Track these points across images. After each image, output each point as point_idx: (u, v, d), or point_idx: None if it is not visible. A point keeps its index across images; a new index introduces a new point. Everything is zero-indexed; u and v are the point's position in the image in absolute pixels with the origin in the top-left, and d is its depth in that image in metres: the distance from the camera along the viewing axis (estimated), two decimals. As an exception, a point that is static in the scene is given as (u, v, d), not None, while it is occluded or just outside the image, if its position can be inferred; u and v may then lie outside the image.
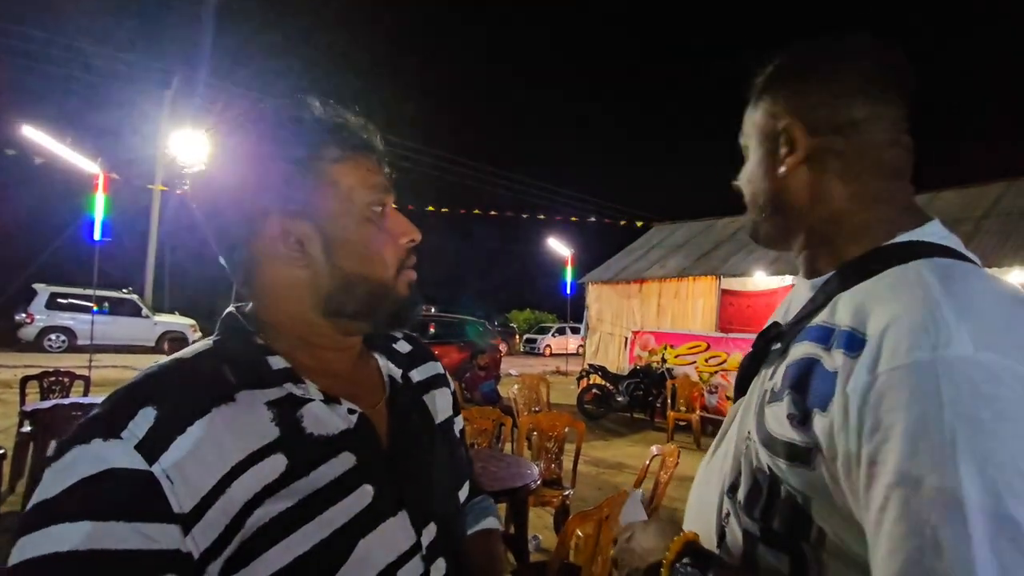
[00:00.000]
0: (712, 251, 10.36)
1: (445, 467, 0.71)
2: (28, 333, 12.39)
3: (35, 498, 0.46)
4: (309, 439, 0.56)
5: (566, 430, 3.65)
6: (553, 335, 23.13)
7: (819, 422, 0.56)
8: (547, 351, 22.32)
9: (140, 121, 17.02)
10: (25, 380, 4.42)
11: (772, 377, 0.67)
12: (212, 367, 0.56)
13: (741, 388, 0.75)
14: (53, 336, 12.58)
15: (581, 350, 16.06)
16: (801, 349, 0.63)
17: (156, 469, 0.47)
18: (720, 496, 0.69)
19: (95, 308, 9.78)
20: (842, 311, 0.62)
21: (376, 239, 0.62)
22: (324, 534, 0.53)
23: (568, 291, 14.74)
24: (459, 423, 0.82)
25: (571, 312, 17.89)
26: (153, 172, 16.20)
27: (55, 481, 0.46)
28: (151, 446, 0.47)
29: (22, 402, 4.24)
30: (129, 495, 0.45)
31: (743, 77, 0.79)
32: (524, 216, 17.08)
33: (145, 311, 13.80)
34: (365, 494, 0.57)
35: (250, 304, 0.65)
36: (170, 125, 16.26)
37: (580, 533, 1.95)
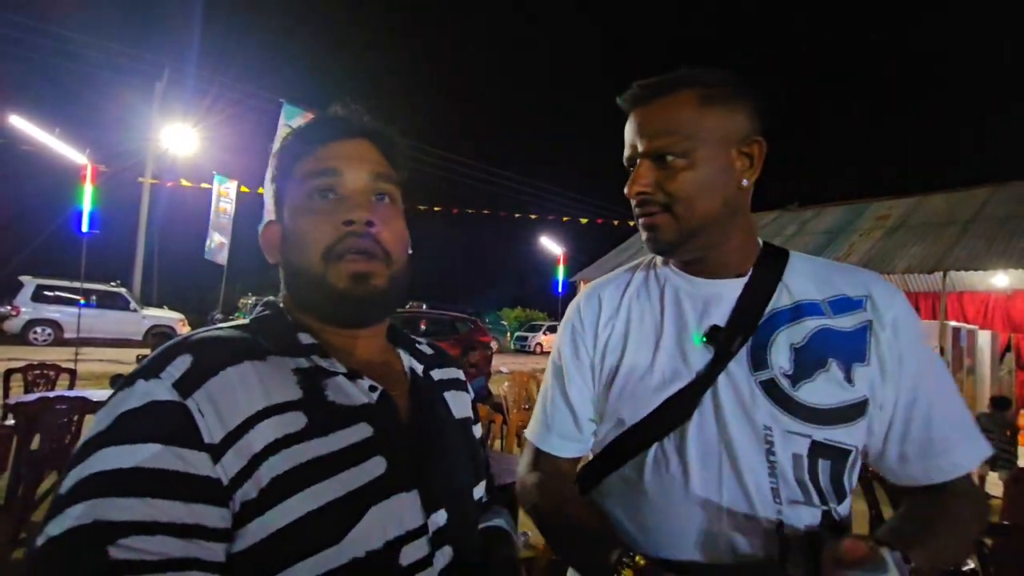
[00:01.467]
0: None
1: (462, 461, 0.72)
2: (13, 326, 12.23)
3: (84, 436, 0.51)
4: (330, 405, 0.59)
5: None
6: (544, 333, 23.18)
7: (862, 373, 0.73)
8: (537, 349, 22.37)
9: (130, 113, 16.88)
10: (9, 373, 4.35)
11: (764, 367, 0.74)
12: (247, 334, 0.61)
13: (688, 401, 0.75)
14: (39, 329, 12.43)
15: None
16: (806, 326, 0.75)
17: (190, 403, 0.51)
18: (755, 494, 0.71)
19: (82, 301, 9.67)
20: (802, 288, 0.79)
21: (306, 224, 0.63)
22: (336, 494, 0.54)
23: (560, 289, 14.77)
24: (478, 430, 0.83)
25: (562, 310, 17.89)
26: (143, 164, 16.03)
27: (105, 418, 0.51)
28: (186, 384, 0.52)
29: (5, 395, 4.17)
30: (167, 423, 0.50)
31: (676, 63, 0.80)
32: (516, 215, 17.09)
33: (133, 304, 13.68)
34: (378, 464, 0.59)
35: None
36: (160, 117, 16.11)
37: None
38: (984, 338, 6.84)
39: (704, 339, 0.76)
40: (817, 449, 0.70)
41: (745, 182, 0.77)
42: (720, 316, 0.77)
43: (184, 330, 12.91)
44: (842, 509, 0.73)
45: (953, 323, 6.54)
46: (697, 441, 0.74)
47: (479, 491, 0.76)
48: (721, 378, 0.74)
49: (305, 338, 0.63)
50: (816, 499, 0.70)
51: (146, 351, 5.38)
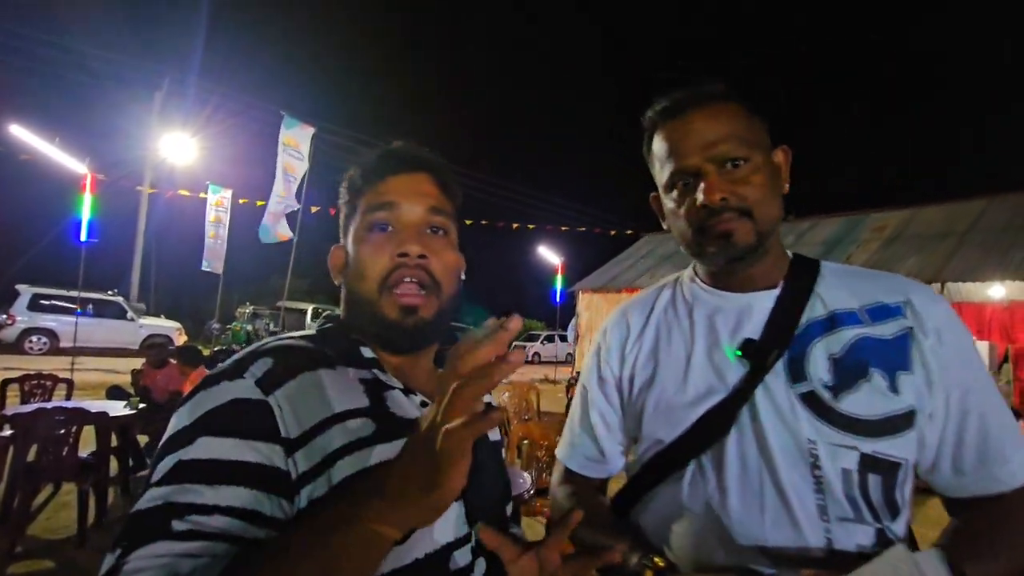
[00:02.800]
0: (701, 261, 10.43)
1: (495, 481, 0.74)
2: (9, 335, 12.15)
3: (166, 435, 0.55)
4: (392, 415, 0.63)
5: (558, 439, 3.63)
6: (542, 343, 23.13)
7: (907, 381, 0.70)
8: (535, 358, 22.31)
9: (129, 122, 16.92)
10: (5, 383, 4.32)
11: (803, 379, 0.72)
12: (315, 345, 0.66)
13: (725, 417, 0.74)
14: (34, 338, 12.35)
15: (569, 357, 16.04)
16: (843, 336, 0.74)
17: (271, 400, 0.55)
18: (800, 511, 0.68)
19: (79, 310, 9.61)
20: (837, 297, 0.77)
21: (367, 256, 0.68)
22: None
23: (558, 299, 14.76)
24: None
25: (560, 320, 17.88)
26: (142, 174, 16.03)
27: (189, 415, 0.55)
28: (268, 382, 0.57)
29: (1, 406, 4.14)
30: (248, 418, 0.54)
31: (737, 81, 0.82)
32: (515, 225, 17.12)
33: (130, 314, 13.60)
34: None
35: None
36: (160, 127, 16.13)
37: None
38: (983, 349, 6.84)
39: (739, 353, 0.75)
40: (867, 463, 0.68)
41: (786, 185, 0.80)
42: (753, 329, 0.76)
43: (181, 339, 12.84)
44: (896, 527, 0.70)
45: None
46: (736, 457, 0.72)
47: (508, 508, 0.78)
48: (759, 392, 0.72)
49: (367, 352, 0.68)
50: (868, 516, 0.68)
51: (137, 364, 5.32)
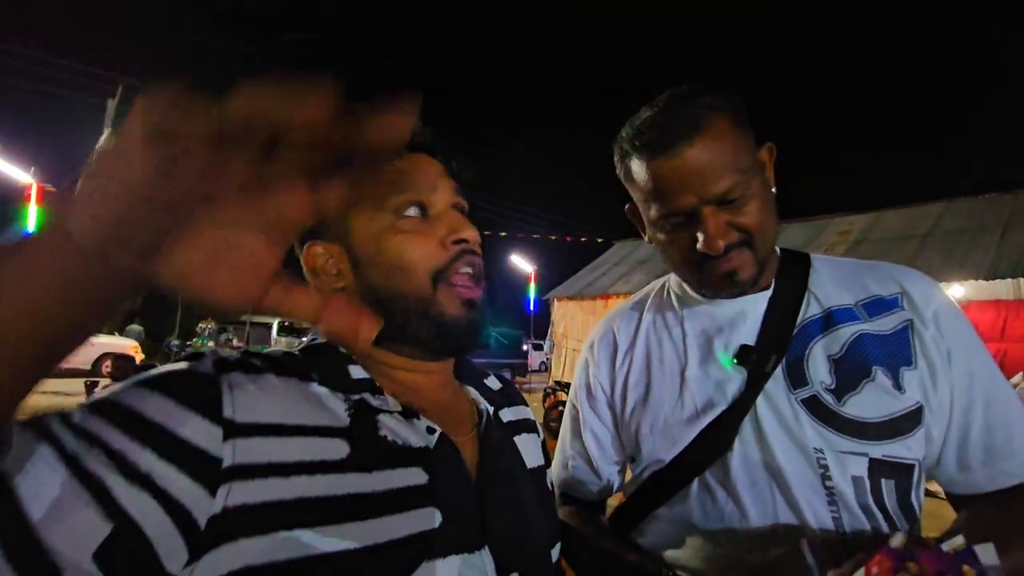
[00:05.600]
0: (674, 267, 10.57)
1: (538, 517, 0.61)
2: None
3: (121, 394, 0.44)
4: (380, 441, 0.51)
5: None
6: (515, 352, 23.06)
7: (911, 377, 0.67)
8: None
9: (80, 130, 16.15)
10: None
11: (804, 384, 0.68)
12: (296, 362, 0.54)
13: (726, 430, 0.70)
14: (-26, 360, 11.56)
15: (543, 366, 16.01)
16: (842, 335, 0.70)
17: (223, 378, 0.47)
18: (815, 525, 0.65)
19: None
20: (832, 293, 0.74)
21: (407, 247, 0.56)
22: (376, 540, 0.47)
23: (532, 308, 14.72)
24: (550, 475, 0.71)
25: (534, 328, 17.84)
26: (93, 184, 15.31)
27: (134, 377, 0.45)
28: (226, 366, 0.48)
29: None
30: (189, 387, 0.45)
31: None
32: (486, 232, 17.11)
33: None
34: (430, 516, 0.50)
35: None
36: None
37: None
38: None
39: (735, 361, 0.72)
40: (877, 468, 0.64)
41: (773, 186, 0.74)
42: (748, 335, 0.73)
43: (139, 357, 12.22)
44: (914, 532, 0.67)
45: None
46: (742, 471, 0.68)
47: (556, 551, 0.64)
48: (760, 401, 0.69)
49: (356, 372, 0.55)
50: (884, 525, 0.64)
51: (106, 381, 4.98)
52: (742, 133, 0.69)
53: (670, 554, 0.74)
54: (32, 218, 7.59)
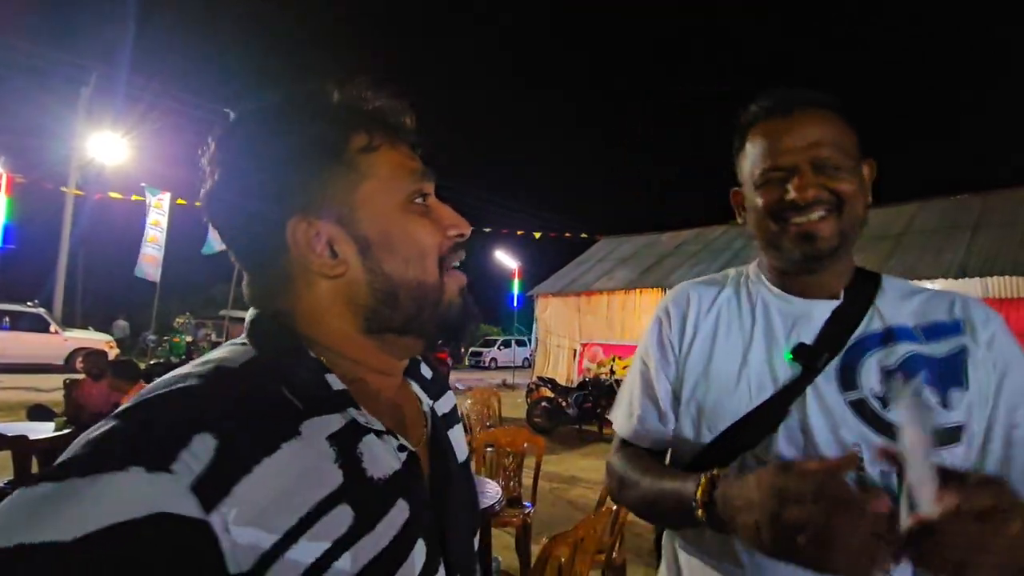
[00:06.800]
0: (657, 264, 10.65)
1: (470, 517, 0.62)
2: (-90, 352, 10.98)
3: (27, 533, 0.32)
4: (370, 484, 0.47)
5: (525, 445, 3.54)
6: (499, 348, 23.06)
7: (959, 397, 0.73)
8: (492, 364, 22.20)
9: (52, 120, 15.66)
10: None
11: (854, 387, 0.75)
12: (269, 384, 0.46)
13: (775, 413, 0.76)
14: (-59, 355, 11.21)
15: (526, 362, 16.03)
16: (898, 351, 0.76)
17: (214, 519, 0.37)
18: None
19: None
20: (895, 314, 0.79)
21: (422, 234, 0.54)
22: None
23: (516, 304, 14.73)
24: (472, 464, 0.74)
25: (518, 325, 17.84)
26: (66, 175, 14.88)
27: (72, 517, 0.33)
28: (211, 488, 0.37)
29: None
30: (178, 552, 0.35)
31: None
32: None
33: (53, 326, 12.58)
34: (420, 551, 0.49)
35: (280, 311, 0.53)
36: (87, 125, 15.05)
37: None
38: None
39: (791, 356, 0.78)
40: None
41: (869, 199, 0.82)
42: (809, 335, 0.79)
43: (113, 353, 11.95)
44: None
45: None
46: (786, 452, 0.74)
47: (476, 541, 0.65)
48: (810, 393, 0.75)
49: (335, 382, 0.49)
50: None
51: (79, 376, 4.84)
52: (850, 132, 0.79)
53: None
54: (2, 209, 7.34)
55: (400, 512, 0.48)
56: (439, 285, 0.54)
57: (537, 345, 11.70)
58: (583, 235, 15.05)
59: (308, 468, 0.43)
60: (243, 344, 0.50)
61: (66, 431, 3.56)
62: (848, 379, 0.75)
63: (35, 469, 3.42)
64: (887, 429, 0.71)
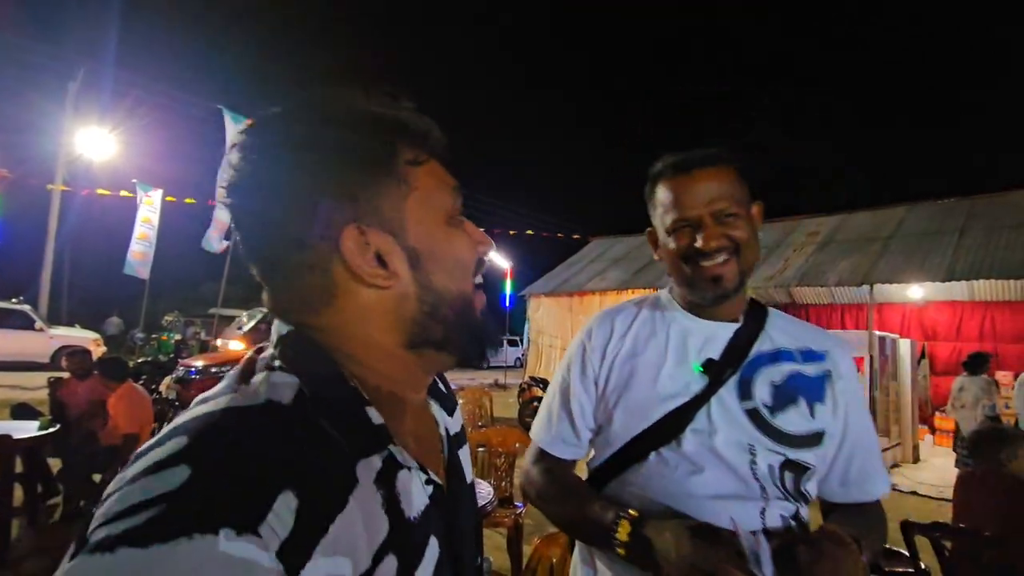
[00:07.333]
0: (650, 265, 10.68)
1: (472, 538, 0.60)
2: None
3: None
4: (409, 527, 0.45)
5: (517, 445, 3.54)
6: (490, 348, 22.96)
7: (821, 410, 0.92)
8: (483, 364, 22.11)
9: (39, 115, 15.43)
10: None
11: (750, 398, 0.91)
12: (316, 422, 0.43)
13: (685, 416, 0.91)
14: (-77, 352, 11.02)
15: (518, 362, 16.02)
16: (783, 369, 0.94)
17: None
18: (746, 492, 0.88)
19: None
20: (780, 338, 0.98)
21: (463, 249, 0.54)
22: None
23: (508, 304, 14.73)
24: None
25: (510, 325, 17.83)
26: (53, 171, 14.67)
27: None
28: (294, 555, 0.34)
29: None
30: None
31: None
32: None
33: (39, 323, 12.41)
34: None
35: (312, 326, 0.49)
36: (74, 121, 14.86)
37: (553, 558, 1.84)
38: (905, 346, 7.28)
39: (701, 369, 0.93)
40: (787, 464, 0.89)
41: (759, 236, 0.97)
42: (715, 351, 0.94)
43: (99, 351, 11.79)
44: (804, 512, 0.92)
45: (879, 333, 6.95)
46: (692, 449, 0.89)
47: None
48: (715, 402, 0.90)
49: (374, 416, 0.47)
50: (789, 498, 0.89)
51: (63, 375, 4.77)
52: (742, 185, 0.95)
53: (633, 505, 0.89)
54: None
55: (432, 552, 0.47)
56: (473, 300, 0.54)
57: (529, 345, 11.71)
58: (575, 236, 15.11)
59: (367, 518, 0.41)
60: (279, 367, 0.46)
61: (50, 430, 3.51)
62: (745, 390, 0.91)
63: (19, 468, 3.38)
64: (774, 433, 0.89)
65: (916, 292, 8.58)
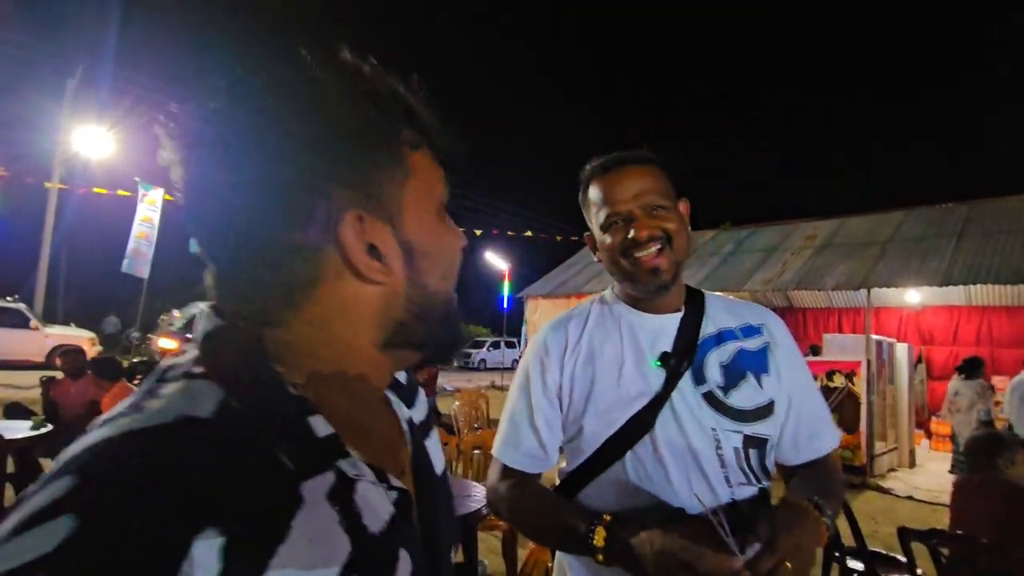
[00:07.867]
0: (646, 268, 10.65)
1: (448, 533, 0.56)
2: None
3: None
4: (373, 544, 0.40)
5: (513, 448, 3.51)
6: (488, 349, 23.00)
7: (767, 381, 0.97)
8: (481, 365, 22.14)
9: (37, 112, 15.36)
10: None
11: (703, 382, 0.95)
12: (246, 439, 0.37)
13: (651, 414, 0.93)
14: (-84, 351, 10.95)
15: (515, 363, 15.99)
16: (728, 348, 0.98)
17: None
18: (715, 482, 0.91)
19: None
20: (721, 319, 1.01)
21: (453, 245, 0.51)
22: None
23: (506, 305, 14.72)
24: (459, 468, 0.73)
25: (507, 326, 17.82)
26: (50, 169, 14.61)
27: None
28: None
29: None
30: None
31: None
32: (461, 230, 16.95)
33: (33, 322, 12.35)
34: None
35: (251, 318, 0.43)
36: (72, 118, 14.80)
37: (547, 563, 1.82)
38: (902, 350, 7.28)
39: (659, 363, 0.96)
40: (748, 441, 0.93)
41: (690, 229, 1.01)
42: (667, 344, 0.97)
43: (94, 351, 11.74)
44: (768, 487, 0.97)
45: (876, 337, 6.95)
46: (665, 445, 0.91)
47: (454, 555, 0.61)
48: (675, 394, 0.93)
49: (319, 426, 0.40)
50: (754, 480, 0.94)
51: (56, 374, 4.74)
52: (670, 183, 0.99)
53: (609, 509, 0.90)
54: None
55: (404, 566, 0.43)
56: (455, 302, 0.51)
57: (526, 347, 11.69)
58: (573, 237, 15.10)
59: (319, 541, 0.36)
60: (199, 374, 0.39)
61: (43, 430, 3.49)
62: (698, 375, 0.95)
63: (11, 468, 3.35)
64: (730, 412, 0.93)
65: (913, 296, 8.59)
